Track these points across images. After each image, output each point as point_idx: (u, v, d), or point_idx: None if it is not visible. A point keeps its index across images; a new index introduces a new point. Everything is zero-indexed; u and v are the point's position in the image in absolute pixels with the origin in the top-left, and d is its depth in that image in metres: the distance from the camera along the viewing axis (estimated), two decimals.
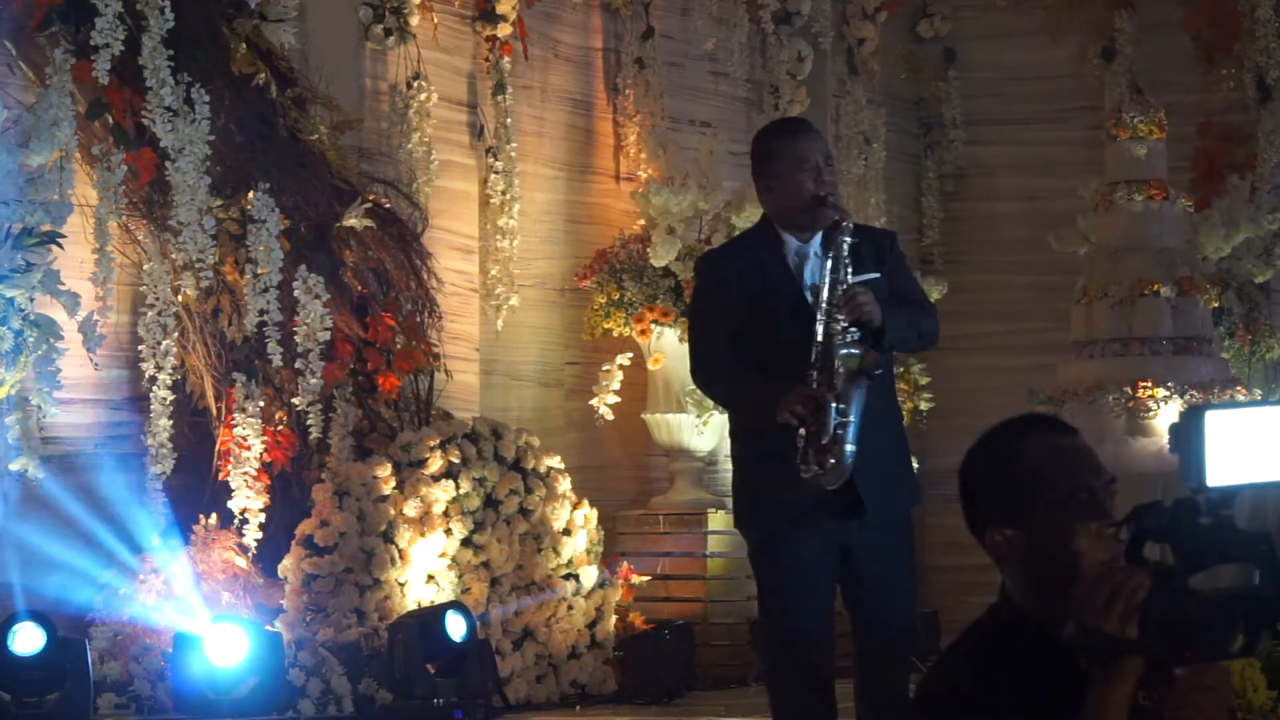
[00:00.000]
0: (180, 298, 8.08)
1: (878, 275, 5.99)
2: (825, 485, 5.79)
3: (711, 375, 6.04)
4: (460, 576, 8.34)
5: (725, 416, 9.51)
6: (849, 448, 5.77)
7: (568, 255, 10.11)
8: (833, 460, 5.76)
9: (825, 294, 5.84)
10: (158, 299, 8.04)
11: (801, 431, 5.78)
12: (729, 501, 10.28)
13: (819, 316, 5.83)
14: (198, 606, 7.80)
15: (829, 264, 5.86)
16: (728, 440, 10.22)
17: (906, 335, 6.05)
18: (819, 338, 5.81)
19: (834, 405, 5.75)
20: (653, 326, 9.73)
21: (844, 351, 5.80)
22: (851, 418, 5.78)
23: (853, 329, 5.83)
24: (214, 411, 8.19)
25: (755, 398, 5.91)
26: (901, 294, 6.04)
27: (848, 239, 5.89)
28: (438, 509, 8.23)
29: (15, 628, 7.13)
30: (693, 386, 9.69)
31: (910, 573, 6.14)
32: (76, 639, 7.35)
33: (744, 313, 5.92)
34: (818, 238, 5.97)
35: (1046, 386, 10.16)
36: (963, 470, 3.13)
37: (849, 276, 5.87)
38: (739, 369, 5.93)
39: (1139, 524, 2.75)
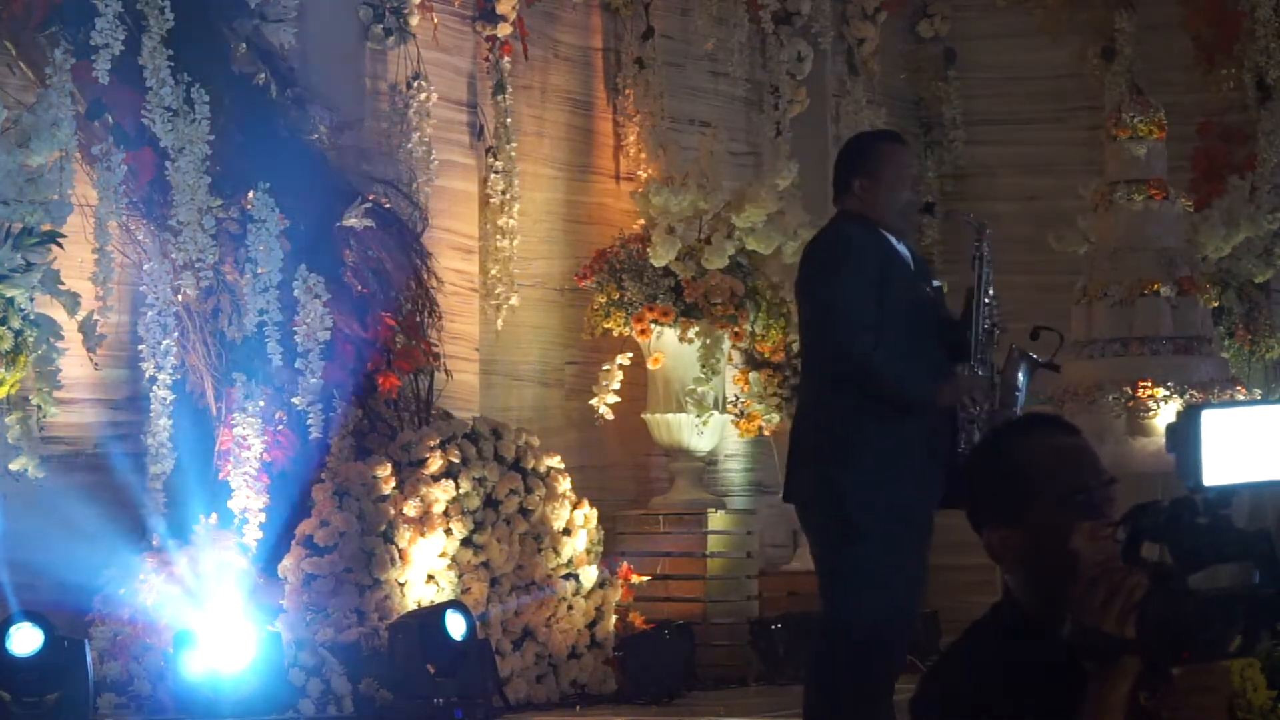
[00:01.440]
0: (180, 298, 8.08)
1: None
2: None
3: (874, 360, 6.10)
4: (460, 576, 8.34)
5: (714, 415, 9.56)
6: None
7: (568, 255, 10.11)
8: None
9: (980, 293, 6.31)
10: (158, 299, 8.04)
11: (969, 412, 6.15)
12: (729, 501, 10.32)
13: (982, 313, 6.28)
14: (198, 607, 7.81)
15: (986, 267, 6.37)
16: (728, 440, 10.30)
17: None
18: (980, 333, 6.25)
19: (1014, 392, 6.23)
20: (653, 326, 9.72)
21: (1025, 350, 6.32)
22: (1020, 406, 6.25)
23: (995, 329, 6.33)
24: (214, 411, 8.19)
25: (916, 378, 6.12)
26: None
27: (989, 245, 6.45)
28: (438, 509, 8.23)
29: (12, 629, 7.12)
30: (692, 386, 9.74)
31: None
32: (76, 639, 7.35)
33: (881, 298, 6.16)
34: (901, 242, 6.34)
35: (1046, 386, 10.15)
36: (964, 469, 3.14)
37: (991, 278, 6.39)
38: (886, 350, 6.12)
39: (1136, 524, 2.75)
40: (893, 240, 6.28)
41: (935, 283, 6.42)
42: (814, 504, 6.22)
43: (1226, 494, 2.71)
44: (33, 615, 7.23)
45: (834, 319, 6.16)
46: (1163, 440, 9.85)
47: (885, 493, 6.03)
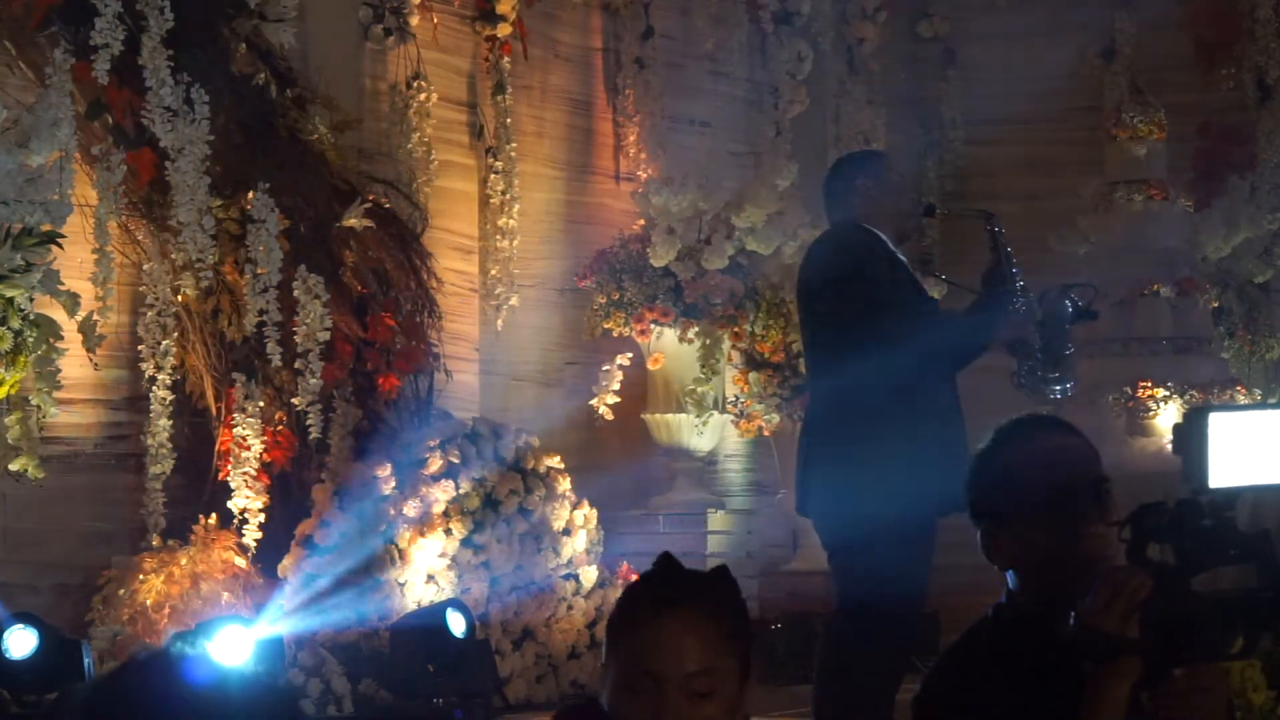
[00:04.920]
0: (180, 298, 8.08)
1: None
2: (1051, 395, 6.57)
3: (916, 324, 6.32)
4: (460, 576, 8.33)
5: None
6: (1072, 373, 6.63)
7: (568, 255, 10.10)
8: (1063, 378, 6.59)
9: (1009, 267, 6.57)
10: (158, 299, 8.05)
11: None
12: (729, 501, 10.31)
13: (1012, 267, 6.55)
14: (197, 606, 7.80)
15: (1002, 248, 6.58)
16: (728, 440, 10.29)
17: None
18: (1013, 279, 6.54)
19: (1066, 327, 6.57)
20: (652, 326, 9.72)
21: (1066, 301, 6.60)
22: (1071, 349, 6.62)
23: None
24: (214, 411, 8.19)
25: (972, 324, 6.49)
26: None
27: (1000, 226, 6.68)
28: (438, 509, 8.23)
29: (6, 633, 7.10)
30: (692, 386, 9.74)
31: None
32: (74, 639, 7.34)
33: (912, 286, 6.42)
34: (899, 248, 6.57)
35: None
36: (969, 470, 3.14)
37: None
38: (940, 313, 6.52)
39: (1141, 524, 2.75)
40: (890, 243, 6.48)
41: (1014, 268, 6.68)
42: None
43: (1231, 496, 2.71)
44: (26, 617, 7.22)
45: (876, 311, 6.27)
46: (1162, 441, 9.88)
47: (918, 490, 6.15)
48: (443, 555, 8.27)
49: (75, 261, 7.69)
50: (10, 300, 7.24)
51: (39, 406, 7.40)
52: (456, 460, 8.35)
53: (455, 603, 7.98)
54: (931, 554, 6.29)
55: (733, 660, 2.74)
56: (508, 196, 9.62)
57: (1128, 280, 10.17)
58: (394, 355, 8.47)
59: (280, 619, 7.86)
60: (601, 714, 2.78)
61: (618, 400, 9.60)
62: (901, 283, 6.36)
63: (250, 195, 8.03)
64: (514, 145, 9.66)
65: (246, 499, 8.01)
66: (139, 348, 8.06)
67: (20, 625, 7.15)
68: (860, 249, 6.36)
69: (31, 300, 7.32)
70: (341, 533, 8.03)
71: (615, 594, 8.88)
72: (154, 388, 8.04)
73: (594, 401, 9.61)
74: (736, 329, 9.72)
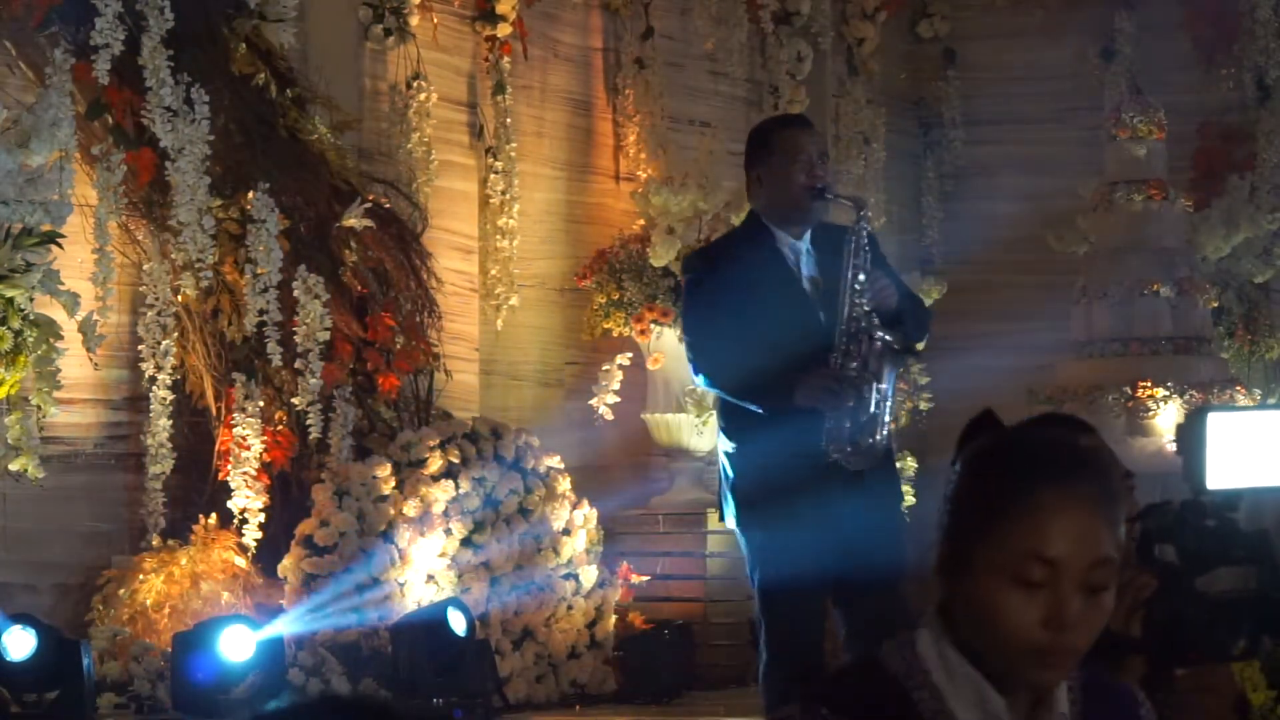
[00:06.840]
0: (180, 298, 8.08)
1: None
2: (853, 466, 5.89)
3: (718, 367, 6.09)
4: (460, 576, 8.33)
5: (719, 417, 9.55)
6: (886, 426, 5.89)
7: (568, 255, 10.10)
8: (870, 440, 5.89)
9: (849, 279, 5.96)
10: (158, 299, 8.05)
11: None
12: None
13: (845, 301, 5.96)
14: (197, 606, 7.80)
15: (851, 250, 5.98)
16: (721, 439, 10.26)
17: (918, 324, 6.14)
18: (842, 322, 5.93)
19: (874, 385, 5.92)
20: (652, 326, 9.72)
21: (881, 334, 5.95)
22: (889, 397, 5.95)
23: (873, 314, 5.97)
24: (214, 411, 8.20)
25: (773, 384, 5.96)
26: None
27: (866, 226, 6.05)
28: (438, 509, 8.23)
29: (4, 634, 7.09)
30: (692, 386, 9.73)
31: (901, 516, 6.35)
32: (74, 639, 7.34)
33: (742, 308, 5.98)
34: (808, 234, 6.06)
35: (1046, 386, 10.15)
36: None
37: (868, 263, 6.01)
38: (745, 360, 5.98)
39: (1145, 524, 2.75)
40: (779, 235, 6.12)
41: (862, 276, 6.01)
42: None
43: (1234, 497, 2.71)
44: (24, 618, 7.22)
45: (691, 343, 6.22)
46: (1161, 441, 9.86)
47: (765, 500, 6.08)
48: (443, 555, 8.27)
49: (75, 261, 7.70)
50: (10, 300, 7.24)
51: (39, 406, 7.41)
52: (456, 460, 8.35)
53: (455, 602, 7.98)
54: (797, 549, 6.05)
55: (1119, 551, 2.39)
56: (508, 196, 9.62)
57: (1128, 280, 10.17)
58: (394, 355, 8.48)
59: (279, 619, 7.87)
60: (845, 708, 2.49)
61: (618, 400, 9.60)
62: (753, 289, 6.01)
63: (250, 195, 8.04)
64: (514, 145, 9.66)
65: (246, 499, 8.01)
66: (139, 348, 8.07)
67: (20, 625, 7.15)
68: (697, 274, 6.23)
69: (31, 300, 7.32)
70: (341, 533, 8.03)
71: (615, 594, 8.89)
72: (154, 388, 8.04)
73: (594, 401, 9.60)
74: None
